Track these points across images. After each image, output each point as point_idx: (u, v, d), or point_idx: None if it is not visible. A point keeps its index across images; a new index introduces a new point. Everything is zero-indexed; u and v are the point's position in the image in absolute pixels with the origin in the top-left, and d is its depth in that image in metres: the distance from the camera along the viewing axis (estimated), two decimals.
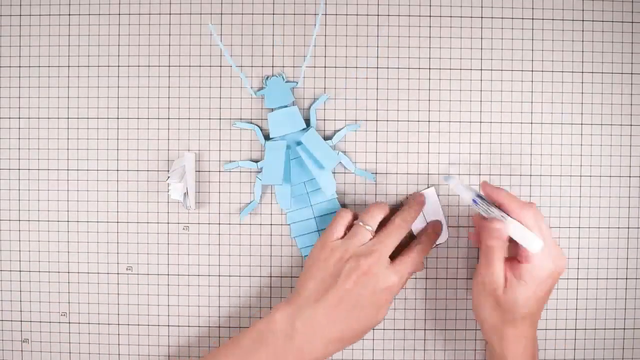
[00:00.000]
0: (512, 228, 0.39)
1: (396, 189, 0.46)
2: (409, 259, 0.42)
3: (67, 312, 0.46)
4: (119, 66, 0.46)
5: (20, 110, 0.46)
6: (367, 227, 0.42)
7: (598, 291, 0.46)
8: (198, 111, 0.46)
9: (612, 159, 0.46)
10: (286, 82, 0.46)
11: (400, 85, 0.46)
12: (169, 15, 0.46)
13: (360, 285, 0.40)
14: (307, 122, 0.46)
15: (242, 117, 0.46)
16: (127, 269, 0.46)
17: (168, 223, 0.46)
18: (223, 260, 0.46)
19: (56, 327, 0.47)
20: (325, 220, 0.46)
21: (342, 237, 0.42)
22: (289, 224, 0.46)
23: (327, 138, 0.46)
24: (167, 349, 0.46)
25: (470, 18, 0.46)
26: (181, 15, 0.46)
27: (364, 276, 0.40)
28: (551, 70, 0.46)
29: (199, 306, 0.46)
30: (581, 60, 0.46)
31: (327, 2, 0.46)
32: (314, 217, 0.46)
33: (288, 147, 0.45)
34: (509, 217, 0.39)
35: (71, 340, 0.47)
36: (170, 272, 0.46)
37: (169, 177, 0.44)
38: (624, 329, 0.46)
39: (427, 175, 0.46)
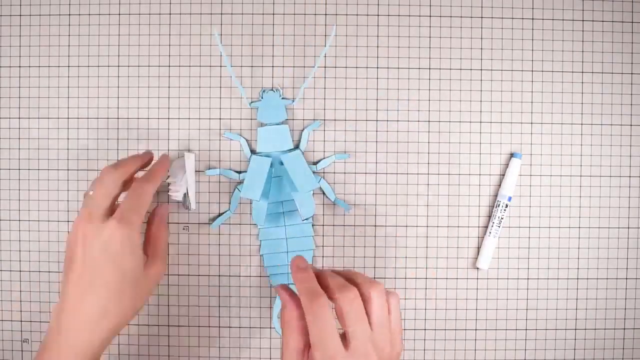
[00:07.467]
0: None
1: (396, 189, 0.46)
2: (126, 201, 0.38)
3: None
4: (119, 66, 0.46)
5: (20, 110, 0.46)
6: (90, 192, 0.38)
7: (598, 291, 0.46)
8: (198, 111, 0.46)
9: (612, 159, 0.46)
10: (282, 98, 0.45)
11: (400, 85, 0.46)
12: (169, 15, 0.46)
13: (87, 250, 0.36)
14: (298, 142, 0.46)
15: (242, 117, 0.46)
16: None
17: (168, 223, 0.46)
18: (223, 260, 0.46)
19: None
20: (295, 243, 0.45)
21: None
22: (259, 240, 0.46)
23: (315, 162, 0.46)
24: (167, 349, 0.46)
25: (470, 18, 0.46)
26: (181, 15, 0.46)
27: (84, 239, 0.36)
28: (551, 70, 0.46)
29: (199, 306, 0.46)
30: (581, 60, 0.46)
31: (327, 2, 0.46)
32: (285, 238, 0.45)
33: (272, 164, 0.45)
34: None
35: None
36: (170, 272, 0.46)
37: (169, 177, 0.44)
38: (624, 329, 0.46)
39: (427, 175, 0.46)
